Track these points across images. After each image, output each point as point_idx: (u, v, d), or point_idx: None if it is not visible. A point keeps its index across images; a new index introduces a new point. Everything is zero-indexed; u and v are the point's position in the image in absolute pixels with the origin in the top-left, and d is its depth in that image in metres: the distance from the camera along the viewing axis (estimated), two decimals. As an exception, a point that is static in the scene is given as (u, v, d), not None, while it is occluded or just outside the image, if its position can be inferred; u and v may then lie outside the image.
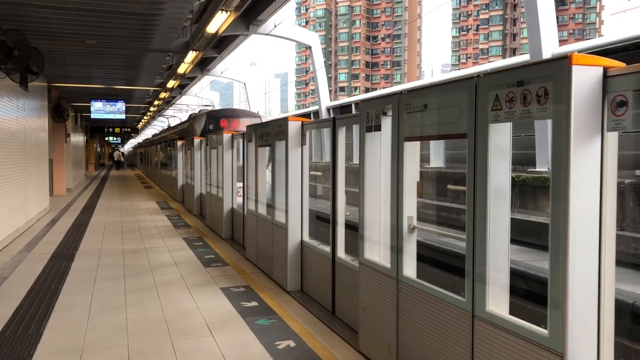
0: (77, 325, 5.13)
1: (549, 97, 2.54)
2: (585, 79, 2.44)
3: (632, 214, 7.90)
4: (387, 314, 4.02)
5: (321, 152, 21.00)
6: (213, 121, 16.24)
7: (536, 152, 11.76)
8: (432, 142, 13.62)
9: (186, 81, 21.75)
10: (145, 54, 12.42)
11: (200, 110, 19.34)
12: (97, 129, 36.27)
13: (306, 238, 6.37)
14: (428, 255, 8.70)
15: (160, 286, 6.60)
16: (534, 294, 6.58)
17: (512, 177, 3.09)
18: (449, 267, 8.24)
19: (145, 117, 36.27)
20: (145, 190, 22.98)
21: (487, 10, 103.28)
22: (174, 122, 39.32)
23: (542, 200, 10.34)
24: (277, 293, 6.29)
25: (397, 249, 3.88)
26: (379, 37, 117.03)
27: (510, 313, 2.95)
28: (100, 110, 20.17)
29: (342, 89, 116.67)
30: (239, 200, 10.00)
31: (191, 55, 12.61)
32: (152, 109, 27.78)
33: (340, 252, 5.38)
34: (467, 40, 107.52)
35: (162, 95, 20.89)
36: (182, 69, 14.41)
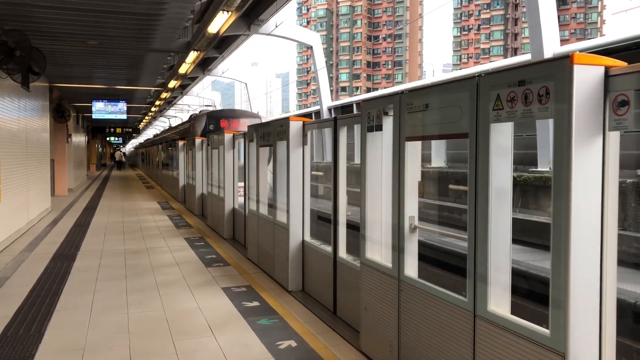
0: (79, 325, 5.14)
1: (551, 96, 2.54)
2: (586, 78, 2.44)
3: (634, 213, 7.89)
4: (389, 314, 4.02)
5: (322, 152, 20.98)
6: (213, 121, 16.30)
7: (538, 151, 11.74)
8: (433, 142, 13.61)
9: (187, 81, 21.75)
10: (147, 54, 12.43)
11: (200, 111, 19.37)
12: (98, 129, 36.36)
13: (307, 238, 6.37)
14: (429, 255, 8.70)
15: (162, 286, 6.60)
16: (536, 294, 6.57)
17: (513, 176, 3.09)
18: (450, 267, 8.24)
19: (146, 117, 36.28)
20: (146, 191, 23.00)
21: (488, 10, 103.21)
22: (175, 123, 39.34)
23: (543, 200, 10.33)
24: (278, 293, 6.29)
25: (398, 249, 3.88)
26: (380, 36, 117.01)
27: (512, 313, 2.94)
28: (101, 110, 20.18)
29: (343, 88, 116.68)
30: (240, 200, 10.00)
31: (192, 56, 12.61)
32: (153, 109, 27.79)
33: (342, 252, 5.38)
34: (468, 39, 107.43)
35: (164, 95, 20.89)
36: (183, 69, 14.41)
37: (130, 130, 39.79)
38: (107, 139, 49.13)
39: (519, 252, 8.16)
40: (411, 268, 3.83)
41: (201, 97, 34.94)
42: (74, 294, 6.24)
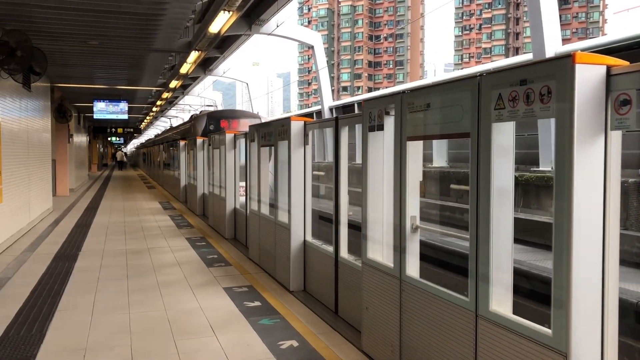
0: (80, 325, 5.14)
1: (552, 95, 2.53)
2: (588, 77, 2.43)
3: (636, 213, 7.88)
4: (390, 314, 4.02)
5: (324, 152, 20.98)
6: (213, 122, 16.39)
7: (539, 151, 11.73)
8: (434, 142, 13.60)
9: (189, 81, 21.78)
10: (148, 54, 12.43)
11: (201, 111, 19.42)
12: (100, 129, 36.41)
13: (309, 238, 6.36)
14: (431, 255, 8.69)
15: (163, 286, 6.60)
16: (538, 294, 6.56)
17: (515, 176, 3.08)
18: (452, 266, 8.23)
19: (147, 118, 36.30)
20: (148, 191, 23.02)
21: (489, 10, 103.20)
22: (176, 123, 39.37)
23: (545, 199, 10.32)
24: (280, 293, 6.29)
25: (400, 249, 3.87)
26: (382, 36, 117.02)
27: (514, 313, 2.94)
28: (102, 110, 20.20)
29: (344, 88, 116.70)
30: (242, 199, 10.01)
31: (194, 55, 12.61)
32: (154, 109, 27.80)
33: (343, 252, 5.37)
34: (469, 39, 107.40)
35: (165, 95, 20.91)
36: (184, 69, 14.42)
37: (132, 130, 39.83)
38: (109, 139, 49.17)
39: (520, 252, 8.15)
40: (413, 268, 3.83)
41: (202, 97, 34.96)
42: (75, 294, 6.25)
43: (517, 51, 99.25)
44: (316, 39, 19.80)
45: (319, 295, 6.00)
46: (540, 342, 2.62)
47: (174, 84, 17.41)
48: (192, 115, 22.08)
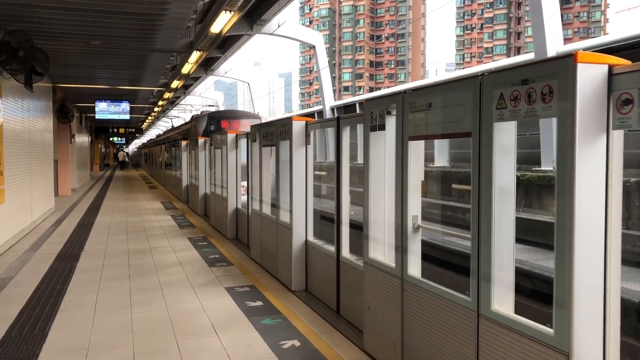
0: (83, 325, 5.15)
1: (554, 95, 2.53)
2: (590, 77, 2.43)
3: (638, 212, 7.87)
4: (392, 314, 4.02)
5: (325, 152, 20.99)
6: (214, 122, 16.45)
7: (541, 150, 11.72)
8: (436, 141, 13.59)
9: (190, 81, 21.80)
10: (149, 54, 12.44)
11: (202, 112, 19.48)
12: (101, 130, 36.46)
13: (311, 238, 6.37)
14: (433, 255, 8.69)
15: (165, 286, 6.61)
16: (540, 293, 6.56)
17: (517, 176, 3.08)
18: (453, 266, 8.23)
19: (149, 118, 36.34)
20: (149, 191, 23.04)
21: (491, 9, 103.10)
22: (177, 123, 39.42)
23: (547, 199, 10.31)
24: (281, 293, 6.29)
25: (401, 249, 3.87)
26: (383, 36, 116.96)
27: (516, 312, 2.94)
28: (104, 110, 20.23)
29: (346, 88, 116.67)
30: (244, 199, 10.02)
31: (195, 55, 12.62)
32: (156, 109, 27.83)
33: (345, 252, 5.38)
34: (471, 39, 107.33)
35: (166, 95, 20.92)
36: (186, 69, 14.43)
37: (133, 130, 39.91)
38: (110, 139, 49.23)
39: (522, 251, 8.15)
40: (414, 267, 3.83)
41: (204, 97, 35.01)
42: (77, 294, 6.26)
43: (518, 51, 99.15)
44: (317, 38, 19.81)
45: (320, 295, 6.00)
46: (542, 341, 2.62)
47: (175, 84, 17.42)
48: (193, 116, 22.13)
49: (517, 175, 3.09)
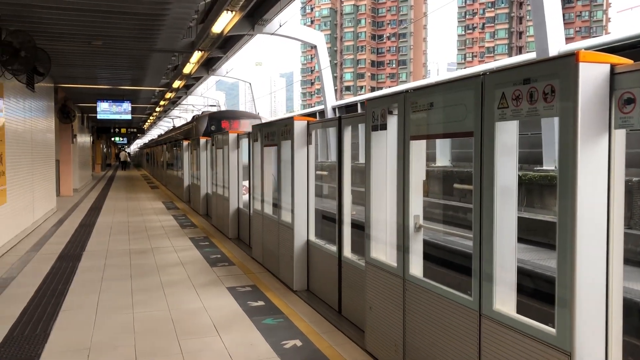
0: (84, 325, 5.15)
1: (556, 94, 2.52)
2: (592, 76, 2.43)
3: (640, 212, 7.85)
4: (394, 313, 4.01)
5: (327, 152, 20.99)
6: (215, 122, 16.50)
7: (543, 150, 11.71)
8: (438, 141, 13.59)
9: (192, 81, 21.78)
10: (151, 54, 12.45)
11: (202, 112, 19.51)
12: (103, 130, 36.46)
13: (312, 237, 6.36)
14: (434, 254, 8.68)
15: (167, 286, 6.62)
16: (542, 293, 6.55)
17: (518, 175, 3.07)
18: (455, 266, 8.22)
19: (151, 118, 36.36)
20: (151, 191, 23.06)
21: (492, 9, 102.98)
22: (179, 123, 39.45)
23: (549, 198, 10.30)
24: (283, 292, 6.29)
25: (403, 248, 3.87)
26: (385, 35, 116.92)
27: (518, 312, 2.93)
28: (106, 110, 20.25)
29: (347, 88, 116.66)
30: (245, 198, 10.02)
31: (197, 55, 12.62)
32: (157, 109, 27.85)
33: (347, 252, 5.37)
34: (473, 38, 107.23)
35: (168, 95, 20.94)
36: (187, 69, 14.44)
37: (135, 130, 39.90)
38: (112, 139, 49.31)
39: (524, 251, 8.14)
40: (416, 267, 3.83)
41: (205, 97, 35.03)
42: (79, 294, 6.26)
43: (520, 50, 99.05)
44: (319, 38, 19.81)
45: (322, 294, 6.00)
46: (544, 341, 2.61)
47: (177, 84, 17.43)
48: (194, 116, 22.17)
49: (518, 175, 3.09)
